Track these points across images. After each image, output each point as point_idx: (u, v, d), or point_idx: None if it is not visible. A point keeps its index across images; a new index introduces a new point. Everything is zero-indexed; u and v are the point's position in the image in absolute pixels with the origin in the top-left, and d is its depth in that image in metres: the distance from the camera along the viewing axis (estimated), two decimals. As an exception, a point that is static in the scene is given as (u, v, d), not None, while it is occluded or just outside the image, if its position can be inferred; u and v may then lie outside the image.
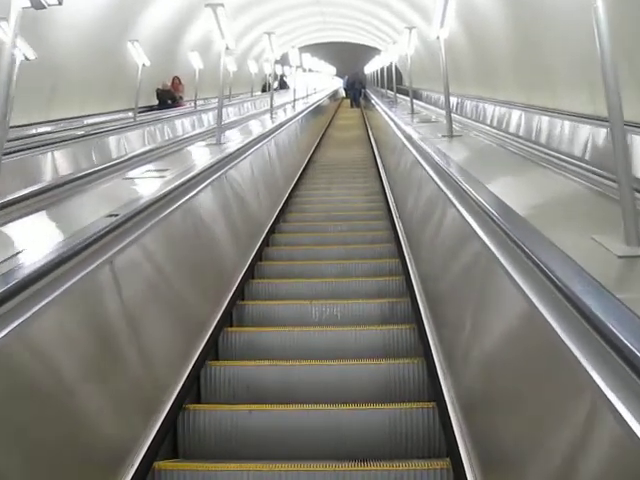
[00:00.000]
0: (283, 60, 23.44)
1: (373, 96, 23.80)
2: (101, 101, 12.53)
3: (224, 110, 15.41)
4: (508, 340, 2.45)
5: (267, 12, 21.32)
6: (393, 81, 16.77)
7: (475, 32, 11.93)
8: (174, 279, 3.87)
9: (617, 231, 2.32)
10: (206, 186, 4.96)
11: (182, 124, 12.85)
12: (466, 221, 3.34)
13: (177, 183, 4.26)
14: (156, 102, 15.30)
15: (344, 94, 36.21)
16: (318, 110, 19.63)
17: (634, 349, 1.48)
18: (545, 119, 8.18)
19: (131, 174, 5.03)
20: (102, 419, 2.63)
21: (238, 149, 6.53)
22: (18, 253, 2.58)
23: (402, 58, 16.55)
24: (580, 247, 2.30)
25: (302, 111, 14.90)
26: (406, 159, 7.13)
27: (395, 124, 9.62)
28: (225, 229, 5.43)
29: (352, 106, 31.34)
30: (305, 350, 4.23)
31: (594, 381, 1.59)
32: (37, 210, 3.74)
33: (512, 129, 9.46)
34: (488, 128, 7.94)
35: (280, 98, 19.16)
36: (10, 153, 6.71)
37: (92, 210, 3.79)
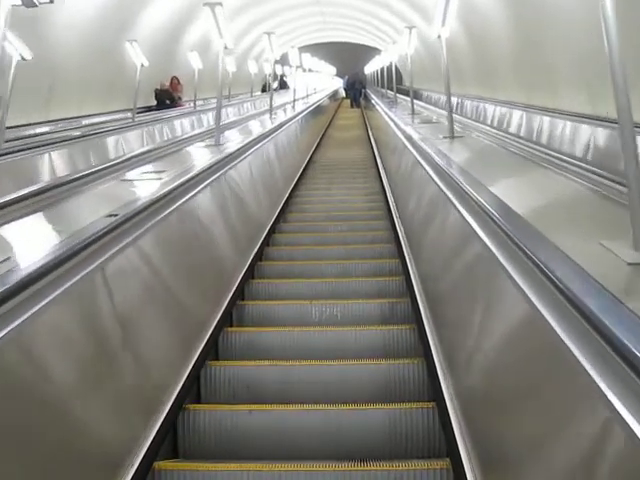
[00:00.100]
0: (283, 60, 23.43)
1: (373, 96, 23.81)
2: (99, 101, 12.51)
3: (223, 110, 15.44)
4: (509, 341, 2.45)
5: (267, 12, 21.32)
6: (393, 81, 16.76)
7: (475, 32, 11.92)
8: (174, 279, 3.87)
9: (625, 236, 2.21)
10: (205, 187, 4.94)
11: (181, 124, 12.83)
12: (467, 222, 3.34)
13: (175, 184, 4.24)
14: (154, 102, 15.27)
15: (344, 94, 36.22)
16: (318, 110, 19.63)
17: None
18: (546, 119, 8.18)
19: (129, 175, 4.98)
20: (102, 419, 2.63)
21: (237, 150, 6.51)
22: (9, 258, 2.56)
23: (402, 58, 16.55)
24: (587, 252, 2.23)
25: (302, 111, 14.90)
26: (407, 160, 7.13)
27: (395, 124, 9.62)
28: (225, 229, 5.43)
29: (352, 106, 31.34)
30: (305, 350, 4.23)
31: (595, 382, 1.59)
32: (32, 212, 3.69)
33: (513, 129, 9.45)
34: (489, 129, 7.91)
35: (280, 98, 19.15)
36: (7, 154, 6.72)
37: (89, 211, 3.78)
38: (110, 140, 9.49)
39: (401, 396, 3.66)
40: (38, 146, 7.51)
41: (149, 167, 5.37)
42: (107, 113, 12.50)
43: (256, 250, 6.02)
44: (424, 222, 5.21)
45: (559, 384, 1.89)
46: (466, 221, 3.36)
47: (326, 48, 34.58)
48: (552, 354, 1.92)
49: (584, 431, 1.69)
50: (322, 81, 32.20)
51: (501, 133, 7.12)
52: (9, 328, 2.10)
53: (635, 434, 1.40)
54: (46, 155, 7.36)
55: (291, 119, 12.32)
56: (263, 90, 24.93)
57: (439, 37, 6.41)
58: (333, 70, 37.27)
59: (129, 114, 11.91)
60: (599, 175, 3.64)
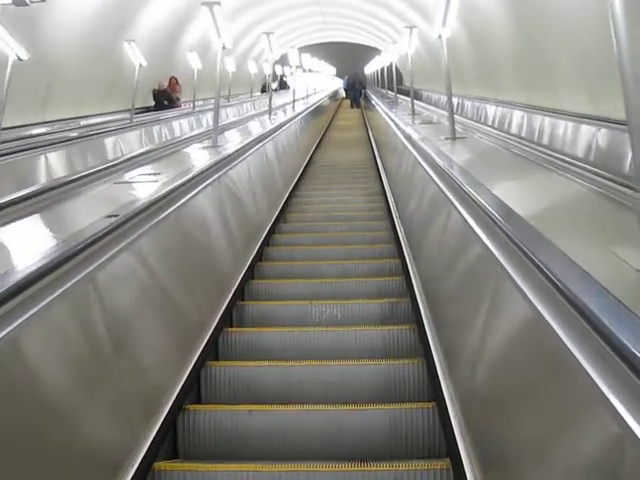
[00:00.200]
0: (283, 60, 23.45)
1: (373, 96, 23.81)
2: (98, 102, 12.49)
3: (222, 111, 15.42)
4: (509, 341, 2.45)
5: (267, 12, 21.32)
6: (393, 81, 16.76)
7: (475, 32, 11.92)
8: (174, 280, 3.87)
9: (634, 242, 2.17)
10: (203, 188, 4.89)
11: (180, 125, 12.79)
12: (467, 223, 3.33)
13: (173, 186, 4.17)
14: (153, 103, 15.21)
15: (344, 94, 36.23)
16: (318, 111, 19.63)
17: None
18: (547, 120, 8.16)
19: (124, 178, 4.89)
20: (102, 420, 2.63)
21: (235, 151, 6.47)
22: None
23: (402, 58, 16.55)
24: (595, 258, 2.20)
25: (302, 112, 14.90)
26: (407, 160, 7.12)
27: (396, 125, 9.61)
28: (224, 230, 5.43)
29: (352, 106, 31.36)
30: (305, 350, 4.23)
31: (596, 384, 1.59)
32: (26, 215, 3.63)
33: (514, 130, 9.43)
34: (491, 130, 7.87)
35: (280, 98, 19.15)
36: (3, 155, 6.70)
37: (83, 214, 3.76)
38: (108, 141, 9.45)
39: (401, 396, 3.66)
40: (35, 147, 7.48)
41: (145, 169, 5.30)
42: (105, 114, 12.48)
43: (256, 250, 6.02)
44: (425, 223, 5.21)
45: (559, 385, 1.89)
46: (467, 222, 3.36)
47: (326, 48, 34.58)
48: (552, 355, 1.92)
49: (584, 431, 1.69)
50: (322, 81, 32.21)
51: (503, 134, 7.07)
52: (9, 328, 2.10)
53: (635, 435, 1.40)
54: (43, 157, 7.33)
55: (291, 120, 12.32)
56: (263, 90, 24.93)
57: (440, 37, 6.38)
58: (333, 70, 37.27)
59: (127, 115, 11.89)
60: (604, 177, 3.58)
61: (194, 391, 3.71)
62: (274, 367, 3.87)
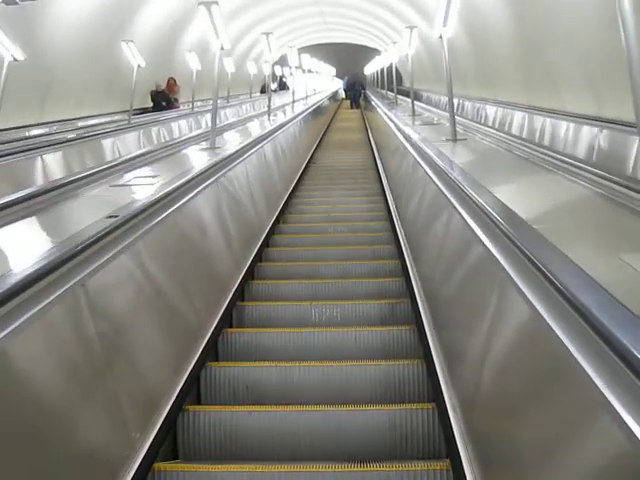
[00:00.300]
0: (283, 61, 23.47)
1: (373, 97, 23.80)
2: (96, 103, 12.46)
3: (221, 112, 15.40)
4: (509, 343, 2.45)
5: (266, 13, 21.32)
6: (393, 82, 16.74)
7: (476, 32, 11.92)
8: (173, 281, 3.87)
9: (638, 244, 2.14)
10: (201, 190, 4.84)
11: (178, 126, 12.76)
12: (468, 225, 3.32)
13: (168, 189, 4.11)
14: (151, 104, 15.15)
15: (344, 95, 36.24)
16: (318, 111, 19.62)
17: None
18: (549, 121, 8.15)
19: (120, 180, 4.81)
20: (102, 421, 2.63)
21: (233, 152, 6.44)
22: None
23: (402, 59, 16.55)
24: (597, 260, 2.19)
25: (301, 112, 14.88)
26: (408, 162, 7.10)
27: (396, 126, 9.60)
28: (224, 231, 5.42)
29: (352, 107, 31.38)
30: (305, 351, 4.23)
31: (596, 386, 1.59)
32: (18, 219, 3.57)
33: (515, 131, 9.42)
34: (492, 131, 7.83)
35: (279, 99, 19.16)
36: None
37: (77, 219, 3.74)
38: (105, 143, 9.44)
39: (401, 397, 3.67)
40: (32, 149, 7.44)
41: (142, 171, 5.25)
42: (103, 115, 12.46)
43: (256, 251, 6.02)
44: (425, 224, 5.20)
45: (560, 386, 1.89)
46: (468, 224, 3.35)
47: (325, 49, 34.60)
48: (553, 357, 1.91)
49: (584, 433, 1.69)
50: (322, 82, 32.21)
51: (505, 135, 7.00)
52: (10, 328, 2.11)
53: (636, 437, 1.41)
54: (39, 158, 7.30)
55: (290, 120, 12.30)
56: (262, 91, 24.95)
57: (440, 37, 6.34)
58: (333, 71, 37.29)
59: (125, 116, 11.87)
60: (606, 179, 3.55)
61: (194, 392, 3.71)
62: (274, 368, 3.87)
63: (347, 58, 37.02)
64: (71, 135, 9.14)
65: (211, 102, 7.18)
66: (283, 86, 28.67)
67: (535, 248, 2.28)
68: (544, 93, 8.98)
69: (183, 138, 8.59)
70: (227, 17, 12.63)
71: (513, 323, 2.42)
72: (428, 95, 19.61)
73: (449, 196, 4.06)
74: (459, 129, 7.00)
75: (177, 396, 3.27)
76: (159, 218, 3.78)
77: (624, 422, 1.44)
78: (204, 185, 4.94)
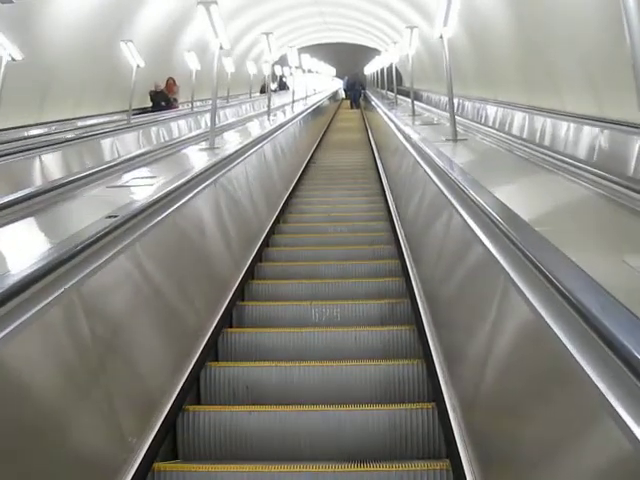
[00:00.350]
0: (283, 61, 23.47)
1: (373, 97, 23.79)
2: (95, 103, 12.45)
3: (221, 112, 15.39)
4: (509, 344, 2.44)
5: (266, 13, 21.33)
6: (393, 82, 16.73)
7: (476, 32, 11.91)
8: (173, 281, 3.87)
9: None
10: (200, 191, 4.83)
11: (178, 126, 12.74)
12: (468, 225, 3.32)
13: (167, 190, 4.07)
14: (150, 104, 15.10)
15: (344, 95, 36.25)
16: (318, 111, 19.62)
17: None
18: (549, 121, 8.14)
19: (118, 181, 4.75)
20: (102, 420, 2.63)
21: (232, 153, 6.42)
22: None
23: (402, 59, 16.54)
24: (599, 262, 2.18)
25: (301, 112, 14.87)
26: (408, 162, 7.10)
27: (396, 126, 9.59)
28: (223, 231, 5.42)
29: (352, 107, 31.40)
30: (305, 351, 4.23)
31: (597, 387, 1.59)
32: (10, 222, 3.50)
33: (516, 131, 9.41)
34: (493, 131, 7.80)
35: (279, 99, 19.16)
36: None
37: (74, 220, 3.71)
38: (104, 143, 9.41)
39: (401, 397, 3.66)
40: (30, 149, 7.42)
41: (139, 172, 5.21)
42: (102, 115, 12.44)
43: (255, 251, 6.02)
44: (425, 225, 5.19)
45: (560, 387, 1.88)
46: (468, 225, 3.35)
47: (325, 49, 34.61)
48: (553, 357, 1.91)
49: (585, 434, 1.69)
50: (322, 82, 32.21)
51: (505, 135, 6.96)
52: (10, 328, 2.11)
53: (637, 438, 1.40)
54: (38, 158, 7.27)
55: (290, 120, 12.29)
56: (262, 91, 24.95)
57: (441, 37, 6.32)
58: (333, 71, 37.29)
59: (124, 116, 11.85)
60: (607, 179, 3.52)
61: (194, 392, 3.71)
62: (274, 368, 3.87)
63: (347, 58, 37.02)
64: (70, 135, 9.11)
65: (211, 102, 7.16)
66: (283, 86, 28.68)
67: (535, 249, 2.27)
68: (544, 94, 8.97)
69: (182, 138, 8.55)
70: (227, 17, 12.64)
71: (513, 323, 2.42)
72: (428, 95, 19.60)
73: (449, 196, 4.05)
74: (459, 129, 6.98)
75: (177, 396, 3.27)
76: (158, 218, 3.78)
77: (625, 424, 1.44)
78: (203, 186, 4.92)
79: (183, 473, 2.88)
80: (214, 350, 4.24)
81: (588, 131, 6.83)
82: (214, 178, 5.31)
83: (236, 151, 6.55)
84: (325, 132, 19.11)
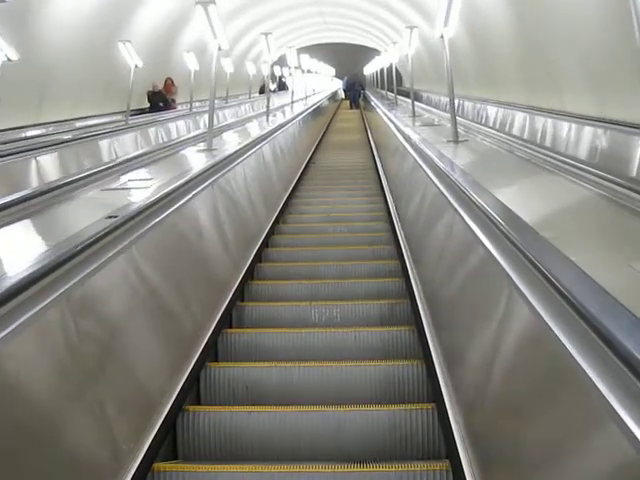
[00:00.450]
0: (282, 61, 23.45)
1: (373, 98, 23.78)
2: (93, 103, 12.42)
3: (220, 112, 15.37)
4: (509, 344, 2.44)
5: (265, 13, 21.32)
6: (393, 82, 16.72)
7: (476, 32, 11.90)
8: (173, 282, 3.87)
9: None
10: (198, 192, 4.80)
11: (176, 127, 12.70)
12: (469, 227, 3.32)
13: (163, 193, 4.04)
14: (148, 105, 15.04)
15: (343, 95, 36.26)
16: (317, 111, 19.62)
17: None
18: (550, 121, 8.12)
19: (113, 184, 4.67)
20: (102, 420, 2.62)
21: (230, 153, 6.39)
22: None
23: (402, 59, 16.52)
24: (606, 267, 2.17)
25: (300, 113, 14.86)
26: (408, 163, 7.09)
27: (396, 127, 9.58)
28: (223, 232, 5.42)
29: (351, 107, 31.41)
30: (305, 351, 4.23)
31: (597, 388, 1.58)
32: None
33: (517, 132, 9.39)
34: (494, 131, 7.78)
35: (278, 99, 19.15)
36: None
37: (69, 224, 3.70)
38: (102, 144, 9.38)
39: (401, 397, 3.66)
40: (27, 150, 7.39)
41: (135, 174, 5.14)
42: (100, 115, 12.41)
43: (255, 252, 6.01)
44: (426, 226, 5.18)
45: (560, 388, 1.88)
46: (468, 226, 3.34)
47: (325, 49, 34.62)
48: (553, 358, 1.91)
49: (585, 435, 1.69)
50: (321, 82, 32.22)
51: (507, 137, 6.91)
52: (12, 327, 2.11)
53: (636, 438, 1.40)
54: (34, 159, 7.24)
55: (289, 121, 12.28)
56: (261, 92, 24.92)
57: (442, 37, 6.29)
58: (332, 71, 37.29)
59: (122, 116, 11.83)
60: (609, 180, 3.50)
61: (194, 392, 3.71)
62: (273, 368, 3.87)
63: (347, 58, 37.02)
64: (67, 136, 9.06)
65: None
66: (282, 86, 28.67)
67: (536, 250, 2.27)
68: (545, 94, 8.96)
69: (180, 139, 8.52)
70: (226, 17, 12.64)
71: (514, 325, 2.42)
72: (428, 96, 19.59)
73: (449, 198, 4.05)
74: (460, 130, 6.95)
75: (177, 396, 3.27)
76: (158, 219, 3.78)
77: (625, 425, 1.44)
78: (200, 188, 4.89)
79: (183, 473, 2.88)
80: (214, 350, 4.24)
81: (589, 131, 6.82)
82: (211, 180, 5.28)
83: (234, 152, 6.53)
84: (325, 132, 19.11)
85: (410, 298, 4.69)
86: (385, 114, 12.82)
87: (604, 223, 3.11)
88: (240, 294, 5.16)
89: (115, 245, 3.10)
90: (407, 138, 7.68)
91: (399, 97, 17.53)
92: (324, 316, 4.81)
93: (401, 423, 3.25)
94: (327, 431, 3.29)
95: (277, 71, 26.60)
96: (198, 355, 3.76)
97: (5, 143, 7.84)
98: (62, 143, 8.34)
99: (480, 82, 13.50)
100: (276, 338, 4.35)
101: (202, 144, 7.11)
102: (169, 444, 3.22)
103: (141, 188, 4.31)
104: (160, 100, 15.14)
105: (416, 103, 12.88)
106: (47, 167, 7.51)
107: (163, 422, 3.03)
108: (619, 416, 1.47)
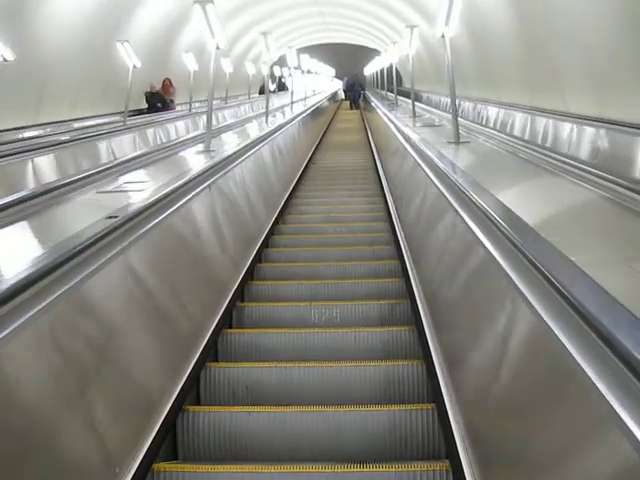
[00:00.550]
0: (282, 62, 23.45)
1: (373, 98, 23.78)
2: (91, 104, 12.40)
3: (219, 113, 15.35)
4: (510, 345, 2.44)
5: (265, 13, 21.31)
6: (393, 82, 16.71)
7: (477, 31, 11.89)
8: (173, 282, 3.87)
9: None
10: (196, 194, 4.77)
11: (175, 128, 12.65)
12: (469, 227, 3.32)
13: (159, 195, 3.99)
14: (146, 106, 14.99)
15: (343, 96, 36.26)
16: (317, 112, 19.61)
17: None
18: (552, 122, 8.11)
19: (109, 187, 4.59)
20: (101, 421, 2.62)
21: (229, 155, 6.36)
22: None
23: (402, 59, 16.52)
24: (607, 268, 2.17)
25: (300, 113, 14.84)
26: (408, 164, 7.08)
27: (396, 127, 9.57)
28: (223, 233, 5.41)
29: (351, 108, 31.41)
30: (305, 351, 4.23)
31: (597, 388, 1.58)
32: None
33: (518, 133, 9.38)
34: (495, 132, 7.75)
35: (278, 100, 19.14)
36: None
37: (67, 225, 3.68)
38: (100, 145, 9.35)
39: (401, 397, 3.66)
40: (25, 151, 7.37)
41: (131, 177, 5.10)
42: (98, 116, 12.38)
43: (255, 252, 6.01)
44: (426, 227, 5.18)
45: (560, 388, 1.88)
46: (468, 226, 3.34)
47: (325, 49, 34.61)
48: (553, 359, 1.91)
49: (585, 436, 1.69)
50: (321, 83, 32.21)
51: (508, 138, 6.88)
52: (12, 327, 2.11)
53: (636, 438, 1.40)
54: (32, 161, 7.23)
55: (289, 122, 12.26)
56: (261, 92, 24.92)
57: (443, 37, 6.25)
58: (332, 72, 37.29)
59: (120, 117, 11.81)
60: (611, 181, 3.49)
61: (193, 392, 3.71)
62: (273, 368, 3.87)
63: (346, 59, 37.02)
64: (65, 137, 9.04)
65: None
66: (282, 87, 28.66)
67: (536, 251, 2.27)
68: (546, 94, 8.95)
69: (179, 140, 8.47)
70: (225, 17, 12.62)
71: (514, 325, 2.42)
72: (428, 96, 19.58)
73: (450, 198, 4.05)
74: (462, 131, 6.92)
75: (177, 396, 3.27)
76: (158, 219, 3.78)
77: (626, 425, 1.44)
78: (198, 189, 4.87)
79: (183, 473, 2.88)
80: (214, 351, 4.24)
81: (591, 132, 6.81)
82: (210, 181, 5.27)
83: (233, 153, 6.51)
84: (324, 133, 19.11)
85: (410, 298, 4.69)
86: (385, 114, 12.81)
87: (604, 223, 3.11)
88: (240, 294, 5.16)
89: (115, 245, 3.10)
90: (407, 138, 7.67)
91: (399, 97, 17.52)
92: (324, 316, 4.81)
93: (401, 423, 3.25)
94: (327, 431, 3.29)
95: (277, 71, 26.59)
96: (198, 355, 3.76)
97: (3, 144, 7.83)
98: (60, 144, 8.31)
99: (480, 82, 13.49)
100: (276, 338, 4.35)
101: (201, 145, 7.08)
102: (169, 444, 3.22)
103: (139, 190, 4.30)
104: (158, 101, 15.07)
105: (416, 103, 12.86)
106: (45, 168, 7.49)
107: (163, 422, 3.03)
108: (619, 416, 1.47)
